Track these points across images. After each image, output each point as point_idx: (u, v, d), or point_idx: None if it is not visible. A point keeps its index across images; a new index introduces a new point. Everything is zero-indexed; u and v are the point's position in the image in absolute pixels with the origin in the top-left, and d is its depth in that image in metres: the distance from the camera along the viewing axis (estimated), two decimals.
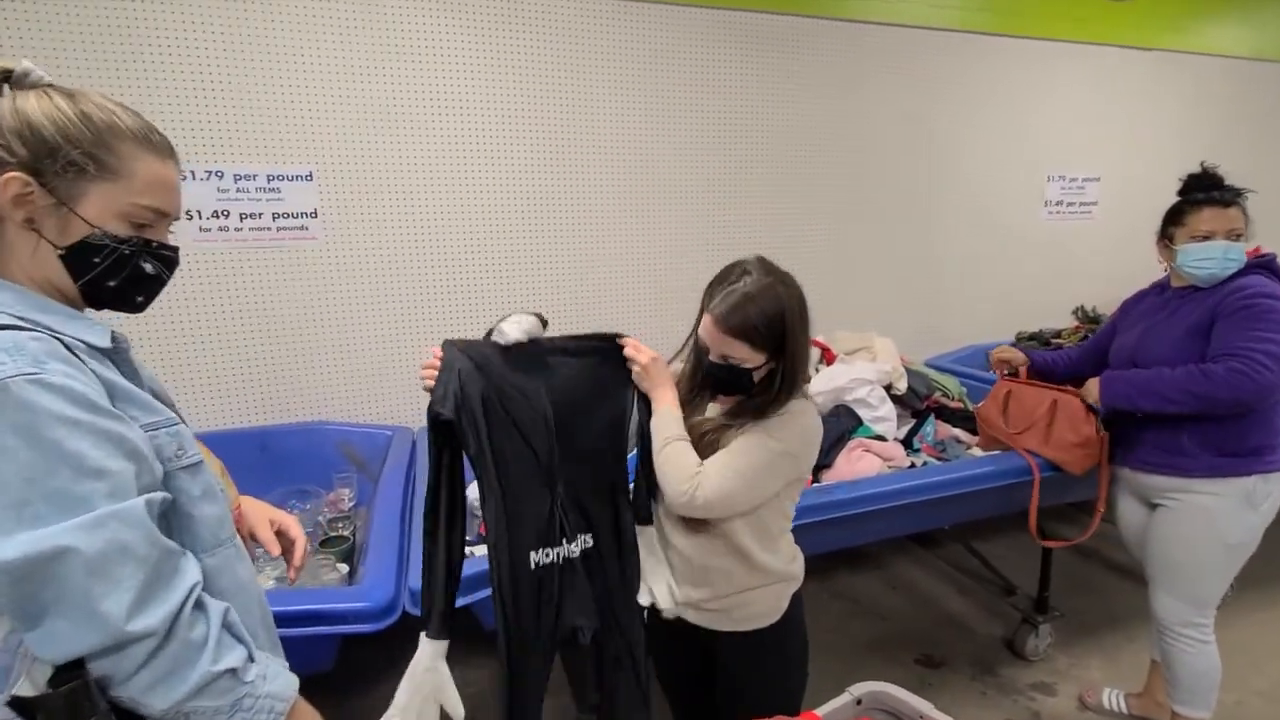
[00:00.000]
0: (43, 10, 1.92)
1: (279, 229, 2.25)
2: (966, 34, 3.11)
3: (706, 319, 1.20)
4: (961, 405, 2.58)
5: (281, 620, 1.00)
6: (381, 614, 1.38)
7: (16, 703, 0.68)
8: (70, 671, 0.67)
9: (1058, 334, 3.39)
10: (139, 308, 0.85)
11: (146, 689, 0.70)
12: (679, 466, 1.19)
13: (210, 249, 2.19)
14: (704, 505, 1.18)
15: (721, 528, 1.23)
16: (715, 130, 2.77)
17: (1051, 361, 2.15)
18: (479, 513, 1.62)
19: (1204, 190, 1.73)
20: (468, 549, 1.70)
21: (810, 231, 3.04)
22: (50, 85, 0.77)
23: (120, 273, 0.79)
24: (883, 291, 3.25)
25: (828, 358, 2.56)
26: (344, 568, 1.77)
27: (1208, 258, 1.70)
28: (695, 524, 1.25)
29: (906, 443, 2.29)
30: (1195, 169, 1.77)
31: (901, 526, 2.25)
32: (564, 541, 1.20)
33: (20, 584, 0.65)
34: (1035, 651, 2.33)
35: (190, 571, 0.75)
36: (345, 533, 1.92)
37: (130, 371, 0.83)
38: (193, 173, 2.11)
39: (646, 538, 1.31)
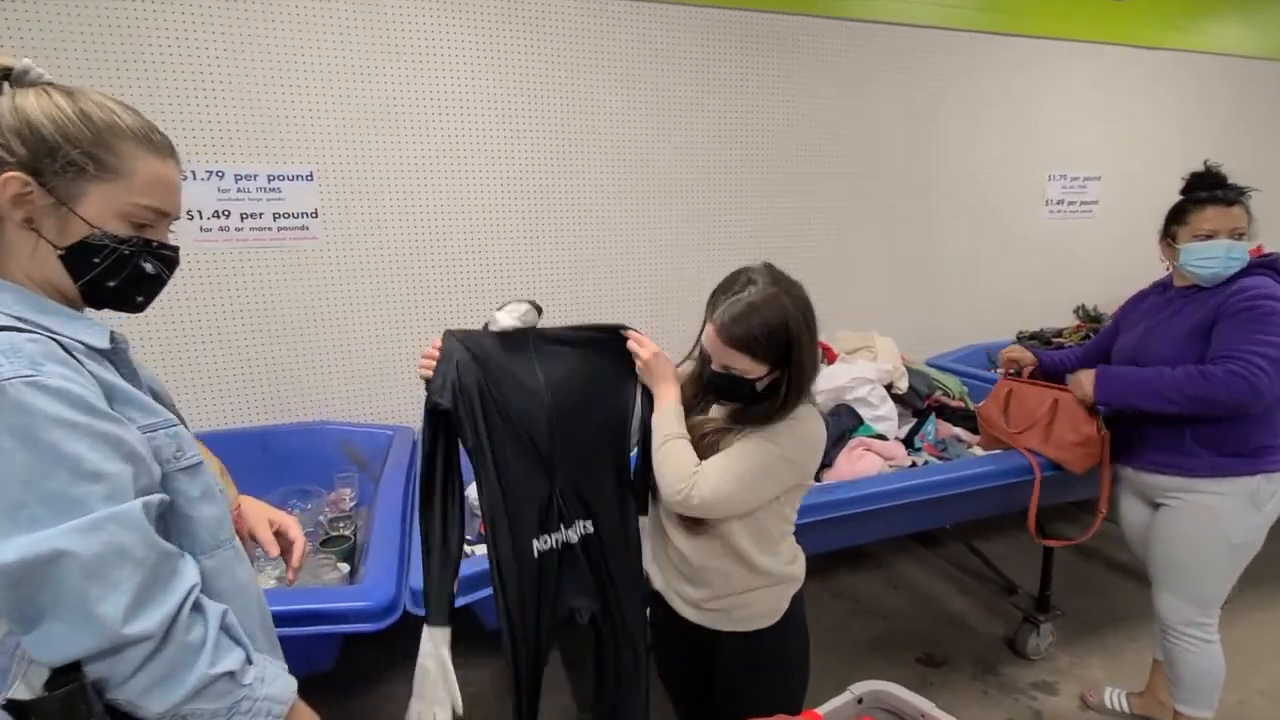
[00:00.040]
0: (43, 10, 1.91)
1: (279, 229, 2.25)
2: (967, 33, 3.11)
3: (709, 329, 1.19)
4: (962, 404, 2.58)
5: (282, 619, 1.00)
6: (382, 613, 1.38)
7: (12, 706, 0.67)
8: (67, 674, 0.67)
9: (1059, 333, 3.39)
10: (139, 308, 0.84)
11: (144, 692, 0.69)
12: (677, 465, 1.19)
13: (211, 249, 2.19)
14: (699, 505, 1.18)
15: (719, 529, 1.23)
16: (716, 129, 2.76)
17: (1058, 361, 2.14)
18: (479, 512, 1.62)
19: (1207, 189, 1.72)
20: (468, 549, 1.70)
21: (811, 230, 3.03)
22: (50, 83, 0.77)
23: (120, 273, 0.79)
24: (884, 290, 3.25)
25: (829, 357, 2.56)
26: (345, 567, 1.77)
27: (1210, 257, 1.69)
28: (693, 525, 1.25)
29: (907, 442, 2.29)
30: (1196, 168, 1.76)
31: (902, 526, 2.25)
32: (562, 527, 1.20)
33: (17, 587, 0.64)
34: (1037, 650, 2.33)
35: (188, 574, 0.74)
36: (346, 532, 1.92)
37: (129, 372, 0.82)
38: (193, 172, 2.11)
39: (645, 526, 1.32)
